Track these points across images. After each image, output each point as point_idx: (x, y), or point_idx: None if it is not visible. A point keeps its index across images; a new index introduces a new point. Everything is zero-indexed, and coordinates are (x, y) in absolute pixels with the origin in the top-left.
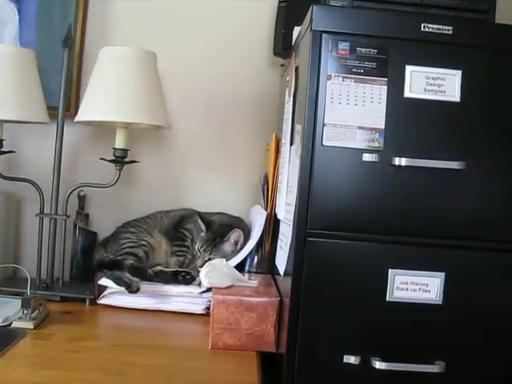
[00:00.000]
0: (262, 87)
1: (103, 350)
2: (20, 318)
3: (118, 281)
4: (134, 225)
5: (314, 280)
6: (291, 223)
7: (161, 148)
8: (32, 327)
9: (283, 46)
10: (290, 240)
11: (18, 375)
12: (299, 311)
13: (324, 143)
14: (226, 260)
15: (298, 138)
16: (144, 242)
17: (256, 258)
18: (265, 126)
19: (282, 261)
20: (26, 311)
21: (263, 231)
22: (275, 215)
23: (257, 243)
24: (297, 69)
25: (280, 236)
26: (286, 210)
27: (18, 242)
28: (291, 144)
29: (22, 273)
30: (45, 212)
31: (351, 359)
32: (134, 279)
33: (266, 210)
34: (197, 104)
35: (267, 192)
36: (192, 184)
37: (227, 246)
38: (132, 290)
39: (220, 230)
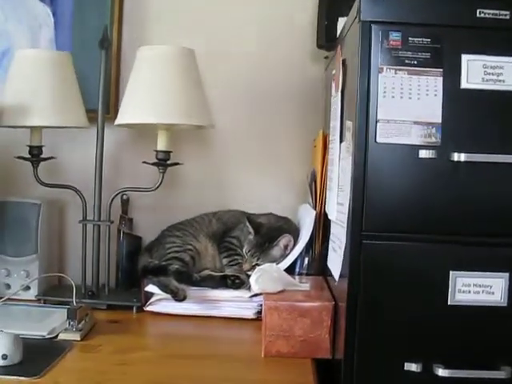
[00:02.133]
0: (305, 81)
1: (152, 361)
2: (66, 330)
3: (165, 288)
4: (180, 228)
5: (371, 284)
6: (345, 225)
7: (204, 148)
8: (79, 339)
9: (327, 38)
10: (343, 243)
11: None
12: (356, 316)
13: (378, 140)
14: (275, 263)
15: (348, 135)
16: (190, 247)
17: (306, 259)
18: (310, 121)
19: (336, 264)
20: (72, 322)
21: (313, 231)
22: (325, 214)
23: (306, 244)
24: (344, 62)
25: (332, 237)
26: (337, 211)
27: (62, 250)
28: (341, 141)
29: (68, 280)
30: (88, 218)
31: (412, 367)
32: (181, 287)
33: (315, 208)
34: (238, 101)
35: (315, 190)
36: (237, 184)
37: (276, 251)
38: (179, 298)
39: (269, 233)
